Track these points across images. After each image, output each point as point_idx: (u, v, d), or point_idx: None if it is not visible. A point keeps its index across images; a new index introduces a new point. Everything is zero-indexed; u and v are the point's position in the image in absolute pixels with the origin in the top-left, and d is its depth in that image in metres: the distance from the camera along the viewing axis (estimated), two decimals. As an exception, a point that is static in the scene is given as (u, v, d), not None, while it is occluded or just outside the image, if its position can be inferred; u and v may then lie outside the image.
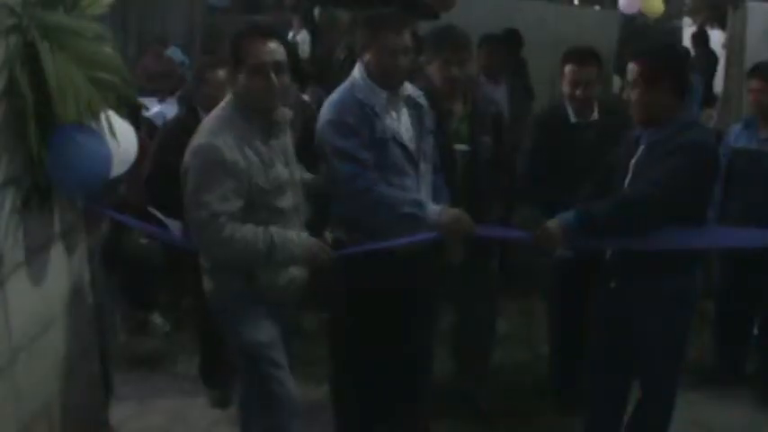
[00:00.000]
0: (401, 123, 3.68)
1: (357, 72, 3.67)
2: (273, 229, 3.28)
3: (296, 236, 3.35)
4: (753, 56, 7.09)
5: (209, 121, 3.38)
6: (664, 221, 3.42)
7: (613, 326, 3.69)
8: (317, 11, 9.02)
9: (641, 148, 3.56)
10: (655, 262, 3.50)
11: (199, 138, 3.30)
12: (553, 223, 3.42)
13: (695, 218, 3.55)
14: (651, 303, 3.56)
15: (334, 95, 3.67)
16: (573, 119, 4.44)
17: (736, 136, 4.93)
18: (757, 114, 4.82)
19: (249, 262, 3.32)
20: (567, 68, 4.39)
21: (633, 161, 3.57)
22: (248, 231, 3.24)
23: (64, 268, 3.31)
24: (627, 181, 3.57)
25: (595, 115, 4.43)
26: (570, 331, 4.37)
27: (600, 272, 3.73)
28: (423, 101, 3.79)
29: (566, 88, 4.41)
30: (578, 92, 4.35)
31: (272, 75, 3.25)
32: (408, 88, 3.74)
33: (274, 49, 3.29)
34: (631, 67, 3.53)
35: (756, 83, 4.80)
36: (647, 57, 3.55)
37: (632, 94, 3.53)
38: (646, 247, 3.47)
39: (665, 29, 13.66)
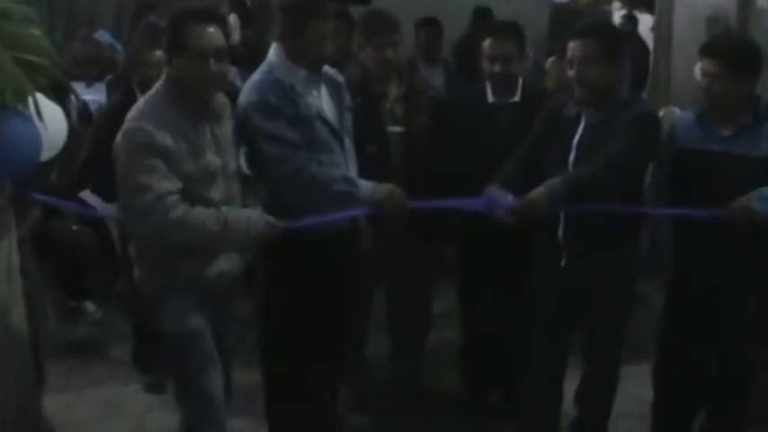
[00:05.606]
0: (322, 101, 3.65)
1: (273, 53, 3.60)
2: (225, 208, 3.25)
3: (247, 212, 3.33)
4: (679, 38, 7.26)
5: (140, 104, 3.32)
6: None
7: (562, 303, 3.76)
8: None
9: (582, 126, 3.58)
10: (610, 234, 3.58)
11: (129, 121, 3.23)
12: (539, 189, 3.43)
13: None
14: (609, 275, 3.66)
15: (253, 77, 3.60)
16: (491, 98, 4.15)
17: (685, 131, 3.72)
18: (711, 106, 3.62)
19: (203, 243, 3.25)
20: (486, 43, 4.06)
21: (576, 140, 3.57)
22: (199, 211, 3.18)
23: (-7, 255, 3.25)
24: (571, 160, 3.57)
25: (517, 97, 4.12)
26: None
27: (542, 252, 3.78)
28: (339, 78, 3.78)
29: (485, 64, 4.08)
30: (496, 67, 4.03)
31: (213, 61, 3.19)
32: (325, 66, 3.71)
33: (215, 34, 3.21)
34: (579, 44, 3.52)
35: (711, 64, 3.53)
36: (603, 32, 3.60)
37: (577, 72, 3.53)
38: (630, 212, 3.55)
39: (595, 13, 13.85)
